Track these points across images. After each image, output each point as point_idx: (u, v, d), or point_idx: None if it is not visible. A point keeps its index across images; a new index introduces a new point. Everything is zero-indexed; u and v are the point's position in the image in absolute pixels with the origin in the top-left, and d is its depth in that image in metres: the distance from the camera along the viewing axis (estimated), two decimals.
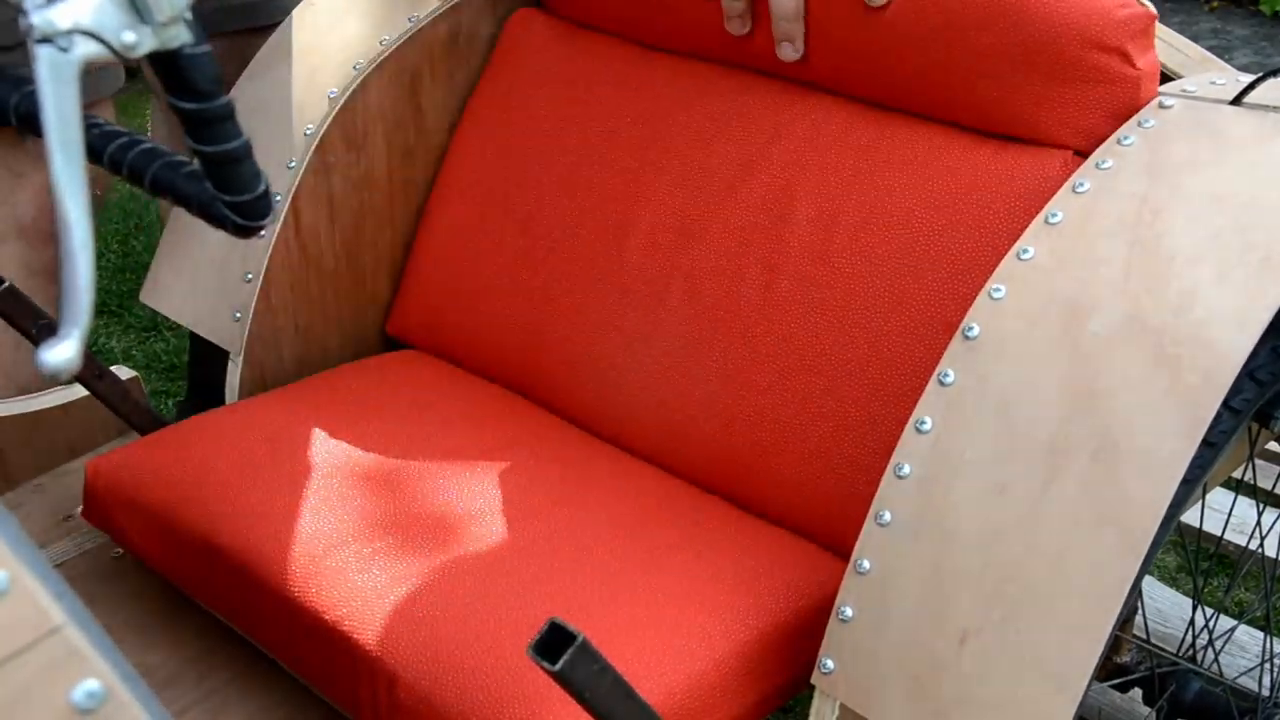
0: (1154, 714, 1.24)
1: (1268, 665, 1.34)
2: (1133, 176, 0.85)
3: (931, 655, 0.78)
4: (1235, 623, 1.32)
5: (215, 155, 0.63)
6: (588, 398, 1.15)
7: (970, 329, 0.83)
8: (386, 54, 1.23)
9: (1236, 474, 1.20)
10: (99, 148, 0.71)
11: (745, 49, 1.14)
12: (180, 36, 0.58)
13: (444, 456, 1.06)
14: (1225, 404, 0.84)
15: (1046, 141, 0.98)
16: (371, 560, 0.93)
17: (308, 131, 1.21)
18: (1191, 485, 0.83)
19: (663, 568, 0.94)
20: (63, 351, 0.51)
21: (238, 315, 1.20)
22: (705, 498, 1.07)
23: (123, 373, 1.23)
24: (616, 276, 1.14)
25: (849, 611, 0.82)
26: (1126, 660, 1.27)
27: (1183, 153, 0.85)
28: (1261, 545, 1.21)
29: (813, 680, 0.84)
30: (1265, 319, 0.76)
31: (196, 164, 0.66)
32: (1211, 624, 1.26)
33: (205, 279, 1.24)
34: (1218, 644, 1.30)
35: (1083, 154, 0.94)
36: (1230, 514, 1.32)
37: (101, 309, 2.45)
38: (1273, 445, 1.64)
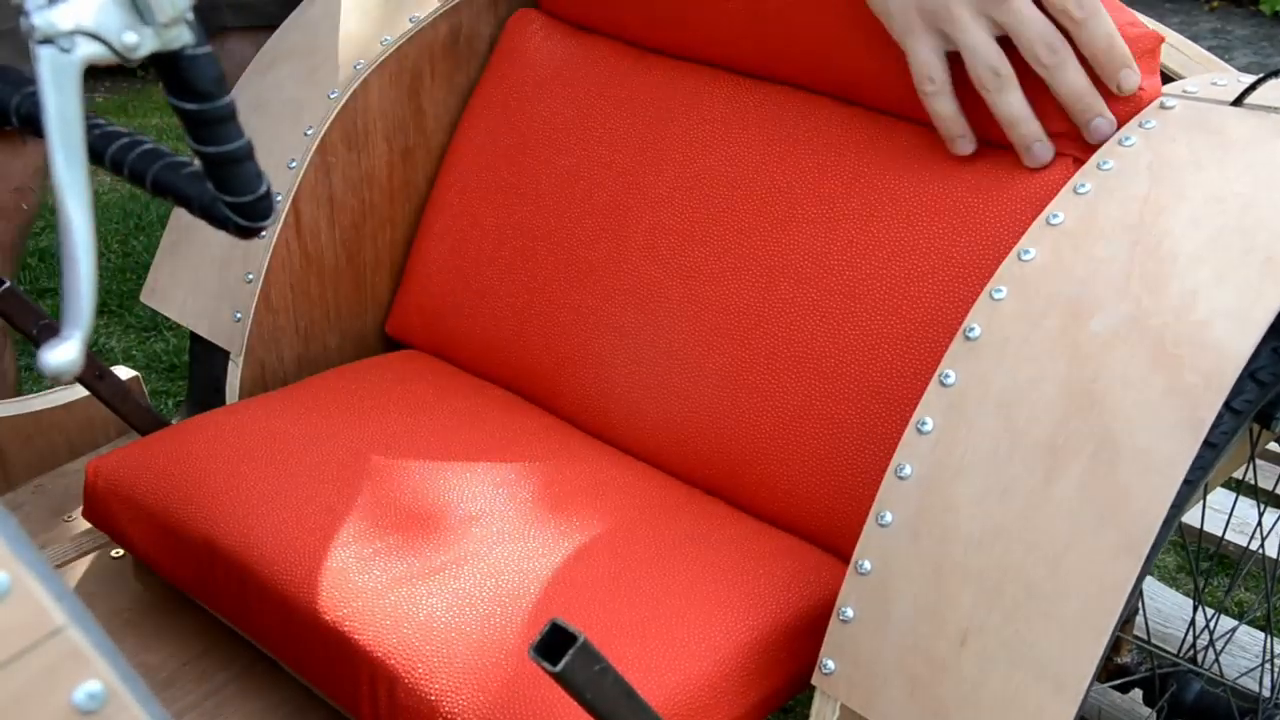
0: (1154, 715, 1.24)
1: (1268, 666, 1.34)
2: (1134, 177, 0.85)
3: (932, 656, 0.78)
4: (1236, 623, 1.32)
5: (217, 156, 0.63)
6: (587, 399, 1.15)
7: (971, 330, 0.83)
8: (387, 54, 1.23)
9: (1237, 474, 1.20)
10: (100, 149, 0.71)
11: (744, 52, 1.14)
12: (182, 37, 0.58)
13: (444, 457, 1.06)
14: (1226, 405, 0.84)
15: (1049, 140, 0.97)
16: (372, 560, 0.93)
17: (308, 132, 1.21)
18: (1192, 486, 0.83)
19: (663, 568, 0.94)
20: (65, 352, 0.51)
21: (238, 315, 1.20)
22: (705, 499, 1.07)
23: (123, 373, 1.24)
24: (616, 278, 1.14)
25: (850, 612, 0.82)
26: (1127, 661, 1.27)
27: (1184, 153, 0.85)
28: (1262, 546, 1.21)
29: (813, 681, 0.84)
30: (1266, 320, 0.76)
31: (198, 165, 0.66)
32: (1212, 625, 1.26)
33: (206, 279, 1.24)
34: (1218, 644, 1.30)
35: (1082, 163, 0.94)
36: (1231, 514, 1.32)
37: (101, 309, 2.45)
38: (1273, 446, 1.64)
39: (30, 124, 0.73)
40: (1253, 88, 0.88)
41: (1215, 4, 4.76)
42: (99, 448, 1.27)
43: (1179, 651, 1.31)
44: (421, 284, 1.28)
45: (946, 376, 0.82)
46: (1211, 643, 1.24)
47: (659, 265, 1.12)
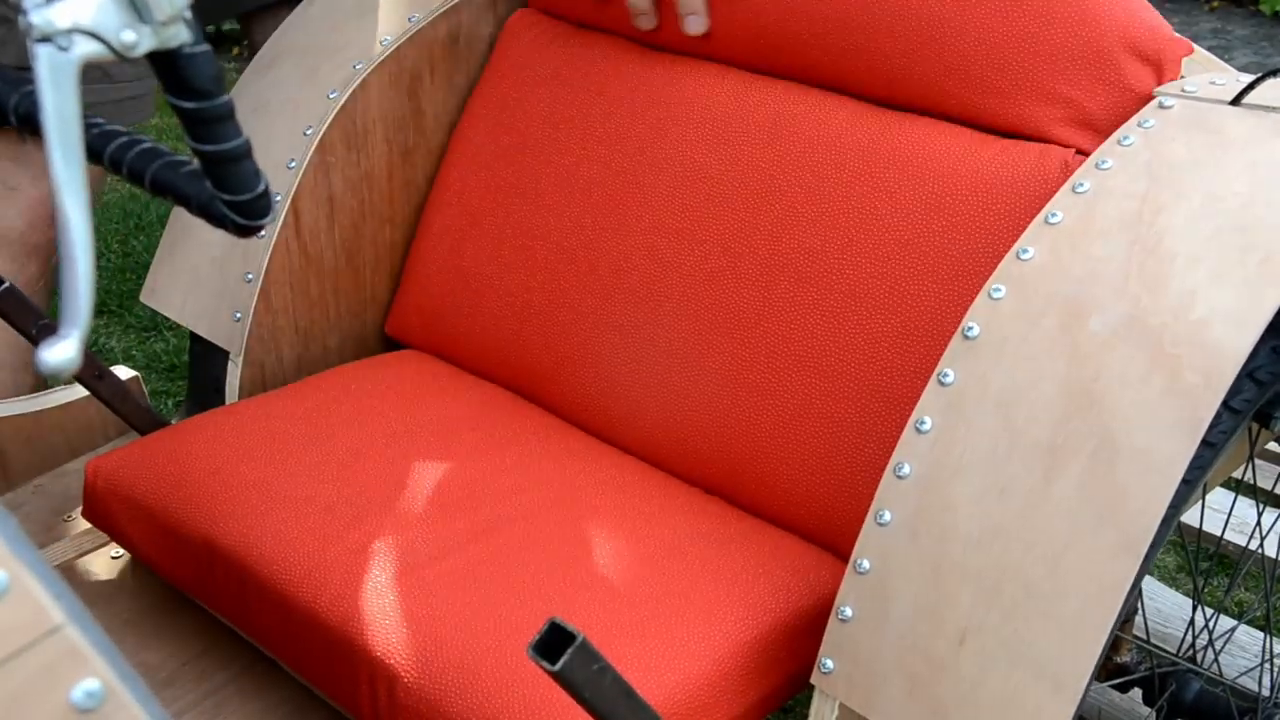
0: (1154, 714, 1.24)
1: (1268, 665, 1.34)
2: (1133, 176, 0.85)
3: (931, 655, 0.78)
4: (1235, 623, 1.32)
5: (215, 154, 0.63)
6: (586, 398, 1.15)
7: (970, 329, 0.83)
8: (386, 54, 1.23)
9: (1236, 474, 1.20)
10: (99, 147, 0.71)
11: (745, 50, 1.14)
12: (179, 36, 0.58)
13: (444, 457, 1.06)
14: (1225, 404, 0.84)
15: (1050, 139, 0.98)
16: (371, 560, 0.93)
17: (308, 131, 1.21)
18: (1191, 485, 0.83)
19: (662, 568, 0.94)
20: (63, 351, 0.51)
21: (238, 315, 1.20)
22: (704, 498, 1.07)
23: (123, 373, 1.23)
24: (615, 277, 1.14)
25: (849, 611, 0.82)
26: (1126, 660, 1.27)
27: (1182, 153, 0.85)
28: (1261, 545, 1.21)
29: (812, 680, 0.84)
30: (1265, 319, 0.76)
31: (196, 163, 0.66)
32: (1211, 624, 1.26)
33: (205, 279, 1.24)
34: (1218, 644, 1.30)
35: (1085, 154, 0.94)
36: (1230, 514, 1.32)
37: (101, 309, 2.45)
38: (1273, 445, 1.64)
39: (28, 123, 0.73)
40: (1251, 87, 0.88)
41: (1215, 4, 4.76)
42: (99, 448, 1.27)
43: (1178, 651, 1.31)
44: (421, 284, 1.28)
45: (945, 376, 0.82)
46: (1211, 642, 1.24)
47: (658, 264, 1.12)
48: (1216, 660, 1.26)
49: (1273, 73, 0.90)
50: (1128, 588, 0.73)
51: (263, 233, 0.70)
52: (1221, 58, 1.18)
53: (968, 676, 0.77)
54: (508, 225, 1.23)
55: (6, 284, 1.08)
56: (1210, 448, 0.84)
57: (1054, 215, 0.85)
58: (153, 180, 0.70)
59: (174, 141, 3.24)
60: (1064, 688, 0.74)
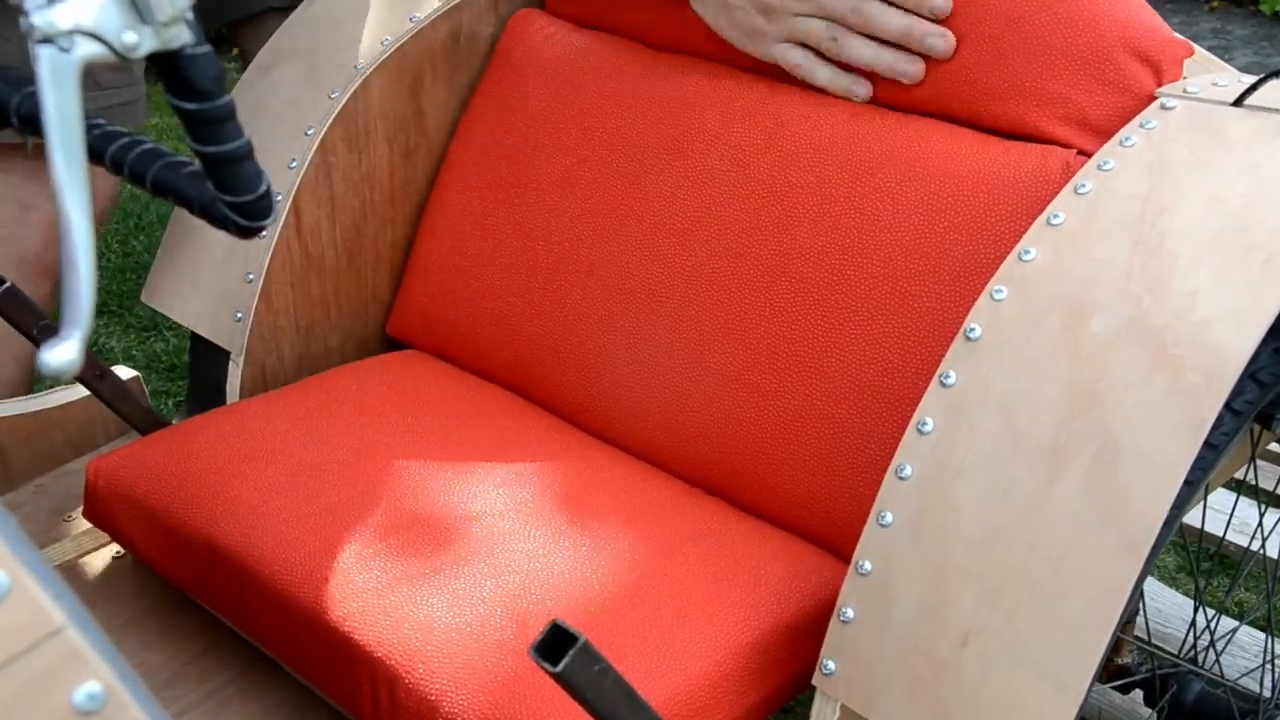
0: (1155, 715, 1.24)
1: (1269, 666, 1.34)
2: (1135, 177, 0.85)
3: (933, 656, 0.78)
4: (1237, 624, 1.32)
5: (217, 155, 0.63)
6: (587, 398, 1.15)
7: (972, 330, 0.83)
8: (388, 54, 1.23)
9: (1238, 475, 1.20)
10: (100, 148, 0.71)
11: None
12: (181, 37, 0.58)
13: (444, 457, 1.06)
14: (1227, 405, 0.84)
15: (1052, 140, 0.98)
16: (373, 560, 0.93)
17: (309, 131, 1.21)
18: (1193, 486, 0.83)
19: (664, 568, 0.94)
20: (65, 352, 0.51)
21: (239, 315, 1.20)
22: (706, 499, 1.07)
23: (124, 373, 1.23)
24: (617, 277, 1.14)
25: (850, 613, 0.82)
26: (1128, 661, 1.27)
27: (1185, 154, 0.85)
28: (1263, 546, 1.21)
29: (814, 681, 0.84)
30: (1267, 320, 0.76)
31: (198, 164, 0.66)
32: (1213, 625, 1.26)
33: (206, 279, 1.24)
34: (1219, 645, 1.30)
35: (1086, 155, 0.95)
36: (1232, 515, 1.32)
37: (101, 309, 2.45)
38: (1274, 446, 1.64)
39: (30, 124, 0.73)
40: (1253, 88, 0.88)
41: (1215, 4, 4.76)
42: (99, 447, 1.27)
43: (1180, 652, 1.30)
44: (422, 284, 1.28)
45: (947, 377, 0.82)
46: (1212, 643, 1.24)
47: (660, 264, 1.12)
48: (1218, 661, 1.26)
49: (1275, 74, 0.90)
50: (1130, 589, 0.73)
51: (264, 233, 0.70)
52: (1221, 58, 1.18)
53: (970, 678, 0.77)
54: (509, 225, 1.23)
55: (8, 284, 1.08)
56: (1212, 449, 0.84)
57: (1056, 216, 0.85)
58: (154, 181, 0.70)
59: (174, 142, 3.24)
60: (1067, 689, 0.74)
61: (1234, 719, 1.18)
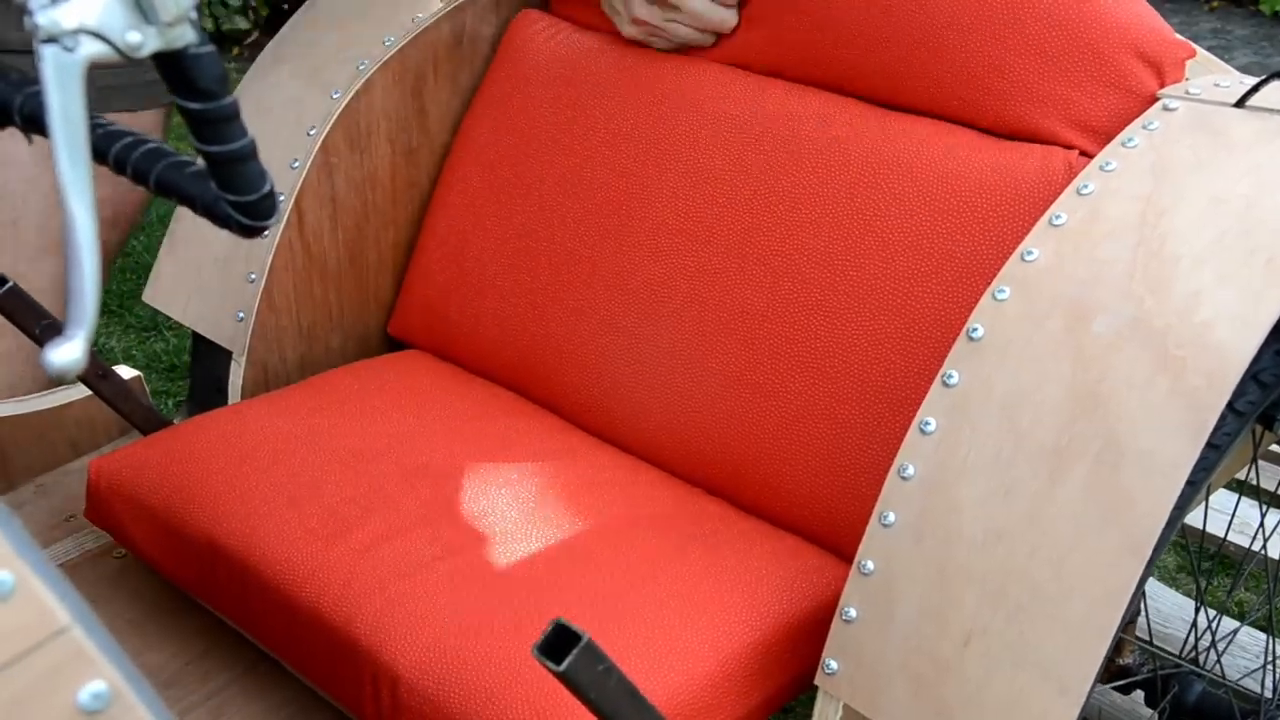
0: (1156, 716, 1.24)
1: (1270, 667, 1.34)
2: (1137, 178, 0.85)
3: (935, 656, 0.78)
4: (1238, 624, 1.32)
5: (220, 155, 0.63)
6: (589, 398, 1.15)
7: (974, 330, 0.83)
8: (390, 54, 1.23)
9: (1240, 475, 1.20)
10: (104, 148, 0.71)
11: (750, 52, 1.14)
12: (185, 36, 0.58)
13: (446, 457, 1.06)
14: (1229, 406, 0.84)
15: (1054, 141, 0.98)
16: (374, 560, 0.93)
17: (311, 132, 1.21)
18: (1195, 487, 0.83)
19: (666, 568, 0.94)
20: (69, 352, 0.51)
21: (240, 315, 1.20)
22: (708, 499, 1.07)
23: (125, 373, 1.23)
24: (619, 278, 1.14)
25: (853, 612, 0.82)
26: (1129, 662, 1.27)
27: (1187, 155, 0.85)
28: (1264, 546, 1.21)
29: (816, 681, 0.84)
30: (1269, 321, 0.76)
31: (201, 164, 0.66)
32: (1214, 625, 1.26)
33: (208, 279, 1.24)
34: (1220, 645, 1.30)
35: (1089, 156, 0.95)
36: (1233, 515, 1.32)
37: (102, 309, 2.45)
38: (1276, 447, 1.64)
39: (34, 123, 0.73)
40: (1255, 89, 0.88)
41: (1215, 4, 4.76)
42: (101, 447, 1.27)
43: (1181, 652, 1.30)
44: (424, 284, 1.28)
45: (950, 377, 0.82)
46: (1214, 644, 1.24)
47: (662, 265, 1.12)
48: (1219, 662, 1.26)
49: (1277, 75, 0.90)
50: (1132, 589, 0.73)
51: (266, 233, 0.70)
52: (1221, 58, 1.18)
53: (972, 678, 0.77)
54: (511, 226, 1.23)
55: (10, 284, 1.08)
56: (1214, 449, 0.84)
57: (1058, 217, 0.85)
58: (158, 181, 0.69)
59: (177, 141, 3.24)
60: (1069, 689, 0.74)
61: (1235, 719, 1.18)
